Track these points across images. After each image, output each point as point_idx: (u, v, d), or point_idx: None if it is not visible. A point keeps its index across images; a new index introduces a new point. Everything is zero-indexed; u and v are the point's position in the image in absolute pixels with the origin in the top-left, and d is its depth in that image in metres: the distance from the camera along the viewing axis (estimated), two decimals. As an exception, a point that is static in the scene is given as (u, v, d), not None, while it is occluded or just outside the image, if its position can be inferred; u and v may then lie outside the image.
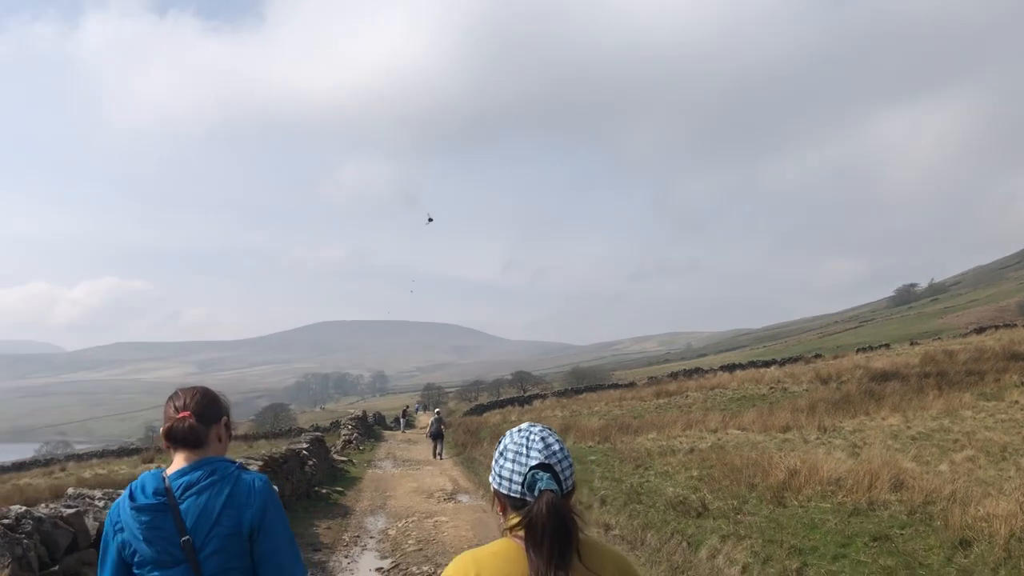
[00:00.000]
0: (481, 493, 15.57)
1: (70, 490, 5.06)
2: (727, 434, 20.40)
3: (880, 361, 36.77)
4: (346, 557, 9.86)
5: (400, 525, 12.12)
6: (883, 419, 20.25)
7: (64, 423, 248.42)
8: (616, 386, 63.32)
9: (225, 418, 2.65)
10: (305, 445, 16.01)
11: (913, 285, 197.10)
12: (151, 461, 36.74)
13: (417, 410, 75.13)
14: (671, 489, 12.10)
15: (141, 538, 2.40)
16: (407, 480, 18.42)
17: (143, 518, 2.40)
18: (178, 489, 2.44)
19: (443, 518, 12.65)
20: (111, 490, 5.35)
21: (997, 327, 56.40)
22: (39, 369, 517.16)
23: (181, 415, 2.53)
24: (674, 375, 65.61)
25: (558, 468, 1.99)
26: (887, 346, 63.26)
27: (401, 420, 43.25)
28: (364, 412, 46.03)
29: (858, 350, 63.76)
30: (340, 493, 15.34)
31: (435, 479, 18.51)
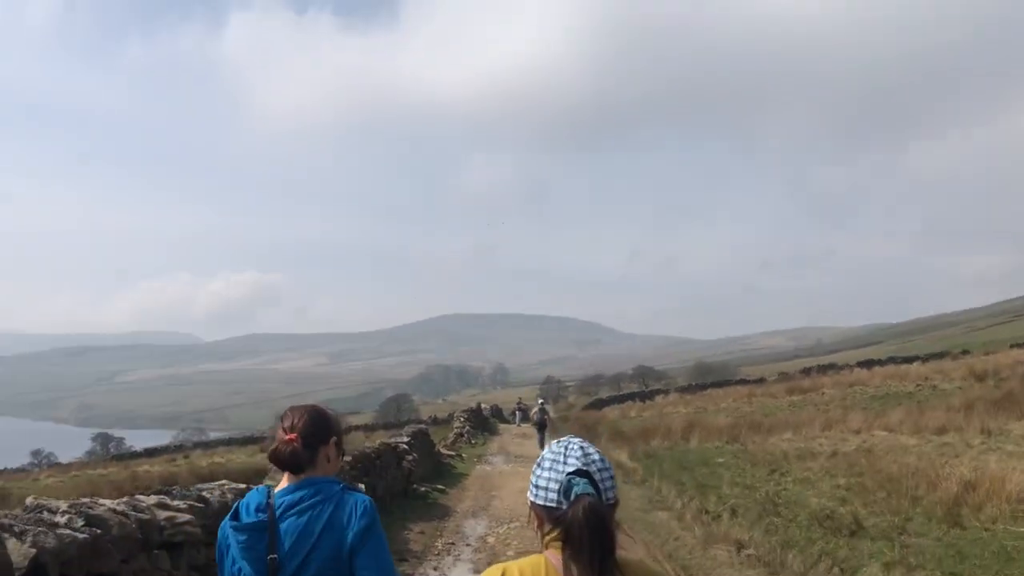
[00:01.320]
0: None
1: (29, 499, 3.94)
2: (872, 436, 18.26)
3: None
4: (435, 569, 8.67)
5: (502, 531, 10.87)
6: (1062, 422, 17.61)
7: (204, 411, 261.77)
8: (744, 382, 60.57)
9: (335, 438, 2.62)
10: (405, 439, 15.01)
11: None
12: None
13: (543, 403, 73.97)
14: (814, 500, 10.39)
15: (239, 555, 2.41)
16: (516, 479, 17.20)
17: (240, 537, 2.42)
18: (280, 508, 2.43)
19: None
20: (79, 501, 4.21)
21: None
22: (181, 359, 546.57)
23: (288, 438, 2.51)
24: (807, 371, 62.07)
25: (597, 476, 1.90)
26: (1046, 343, 57.94)
27: (517, 413, 42.09)
28: (479, 404, 45.20)
29: (1012, 346, 58.80)
30: (441, 491, 14.25)
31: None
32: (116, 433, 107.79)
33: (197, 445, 64.74)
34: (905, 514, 8.67)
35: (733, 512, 10.79)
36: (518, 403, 45.14)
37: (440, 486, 14.74)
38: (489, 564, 8.60)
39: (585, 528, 1.77)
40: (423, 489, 13.76)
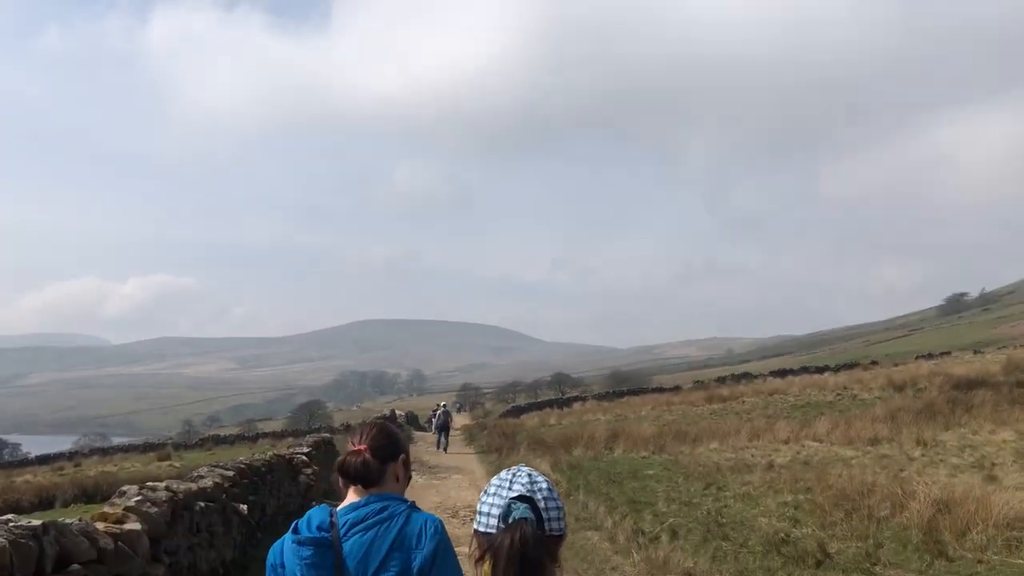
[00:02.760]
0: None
1: None
2: (803, 446, 17.52)
3: (958, 368, 33.36)
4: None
5: (411, 557, 9.45)
6: (990, 433, 17.15)
7: (107, 416, 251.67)
8: (661, 390, 60.32)
9: (403, 456, 2.52)
10: (305, 449, 13.42)
11: (963, 294, 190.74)
12: (167, 459, 34.65)
13: (459, 409, 72.85)
14: (763, 520, 9.29)
15: (299, 574, 2.24)
16: (430, 492, 15.77)
17: (304, 553, 2.26)
18: (344, 525, 2.29)
19: (467, 549, 9.94)
20: None
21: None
22: (85, 362, 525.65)
23: (357, 448, 2.41)
24: (722, 379, 62.23)
25: (541, 505, 1.85)
26: (948, 354, 59.55)
27: (433, 420, 40.14)
28: (393, 411, 43.43)
29: (917, 357, 60.25)
30: (345, 508, 12.73)
31: (462, 492, 15.84)
32: (12, 439, 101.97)
33: (95, 452, 61.42)
34: (874, 539, 7.63)
35: (673, 533, 9.62)
36: (438, 407, 43.18)
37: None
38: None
39: (510, 557, 1.69)
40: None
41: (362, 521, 2.29)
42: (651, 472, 14.70)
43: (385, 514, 2.30)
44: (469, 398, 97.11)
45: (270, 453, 10.90)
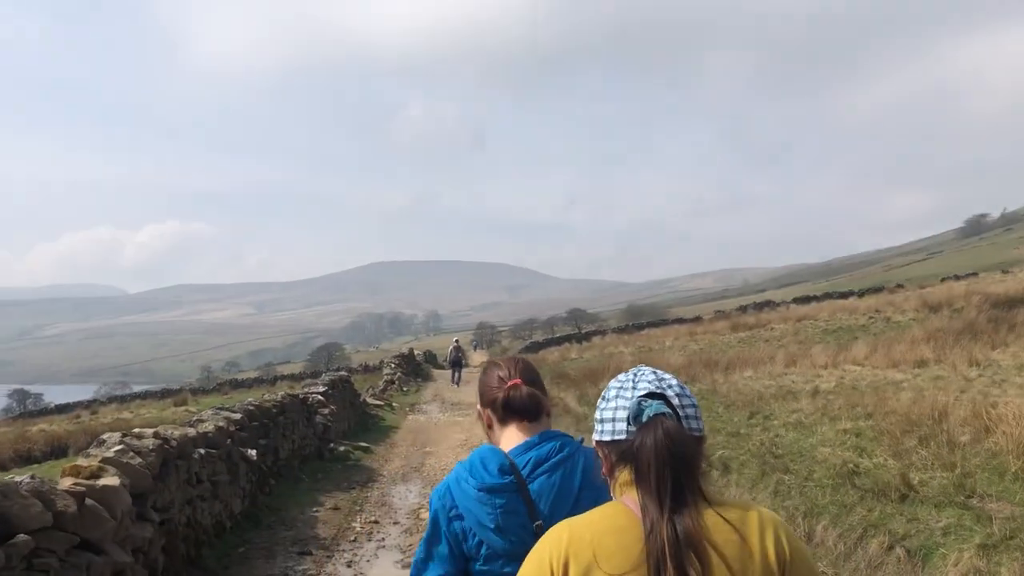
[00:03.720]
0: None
1: None
2: (844, 371, 16.55)
3: (994, 287, 32.22)
4: (349, 566, 6.40)
5: (438, 500, 8.65)
6: (1046, 351, 16.16)
7: (127, 364, 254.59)
8: (681, 320, 59.47)
9: (547, 394, 2.32)
10: (321, 388, 12.59)
11: (984, 215, 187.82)
12: (183, 404, 34.23)
13: (476, 347, 72.64)
14: (825, 450, 8.38)
15: (492, 526, 1.99)
16: (454, 429, 15.02)
17: (498, 501, 2.01)
18: (526, 466, 2.07)
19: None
20: None
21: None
22: (103, 311, 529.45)
23: (514, 382, 2.21)
24: (743, 308, 61.30)
25: (676, 402, 1.57)
26: (975, 275, 58.21)
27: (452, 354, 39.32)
28: (411, 350, 42.78)
29: (943, 279, 58.95)
30: (365, 450, 11.95)
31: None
32: (35, 389, 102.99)
33: (113, 400, 61.60)
34: (960, 468, 6.71)
35: (724, 467, 8.77)
36: (455, 344, 42.42)
37: (364, 443, 12.40)
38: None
39: (658, 454, 1.44)
40: (342, 448, 11.42)
41: (546, 460, 2.10)
42: (687, 402, 13.87)
43: (566, 451, 2.12)
44: (485, 336, 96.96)
45: (281, 393, 10.02)
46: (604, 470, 1.64)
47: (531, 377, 2.29)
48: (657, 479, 1.43)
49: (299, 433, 9.97)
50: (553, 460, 2.08)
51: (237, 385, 57.14)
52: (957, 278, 56.34)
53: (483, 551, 2.02)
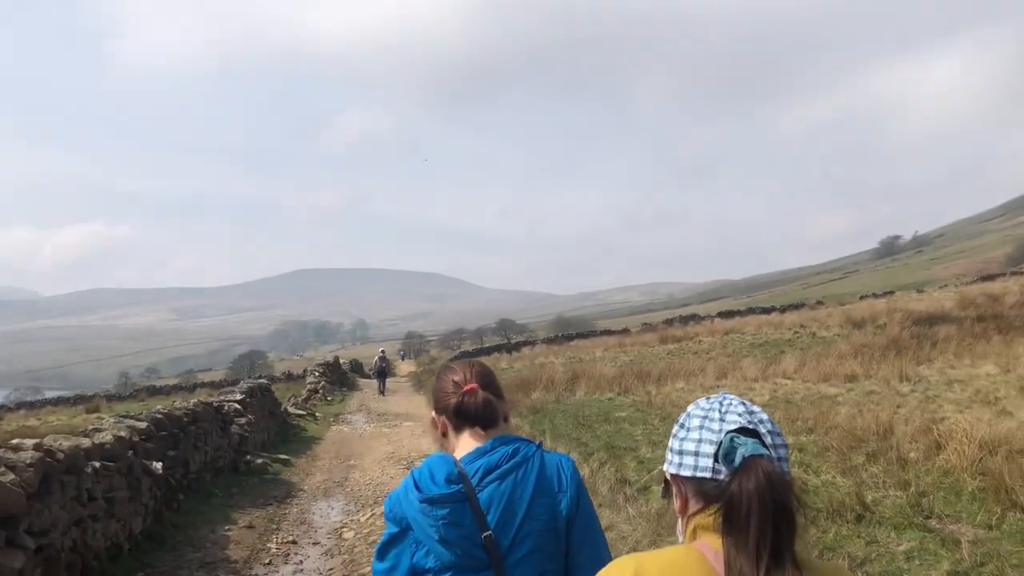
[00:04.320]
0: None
1: None
2: (776, 384, 16.50)
3: (917, 304, 32.98)
4: (260, 594, 5.78)
5: (364, 518, 8.04)
6: (971, 367, 16.33)
7: (39, 369, 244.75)
8: (610, 332, 59.75)
9: (505, 399, 2.23)
10: (238, 396, 11.79)
11: (897, 237, 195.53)
12: (96, 411, 32.58)
13: (403, 356, 71.95)
14: (770, 466, 8.05)
15: (436, 537, 1.88)
16: (380, 441, 14.36)
17: (439, 512, 1.90)
18: (476, 474, 1.96)
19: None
20: None
21: (999, 275, 53.27)
22: (15, 314, 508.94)
23: (470, 387, 2.10)
24: (670, 321, 61.88)
25: (768, 440, 1.39)
26: (892, 293, 60.00)
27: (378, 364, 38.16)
28: (336, 358, 41.75)
29: (862, 297, 60.51)
30: (285, 463, 11.21)
31: (416, 440, 14.46)
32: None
33: (22, 405, 58.80)
34: (915, 487, 6.43)
35: (666, 484, 8.36)
36: (381, 354, 41.31)
37: (284, 455, 11.64)
38: (345, 574, 5.68)
39: (762, 504, 1.25)
40: (260, 461, 10.65)
41: (496, 467, 1.98)
42: (623, 414, 13.47)
43: (520, 457, 2.01)
44: (413, 346, 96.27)
45: (194, 400, 9.25)
46: (676, 506, 1.50)
47: (487, 381, 2.17)
48: (758, 533, 1.24)
49: (213, 444, 9.20)
50: (504, 467, 1.97)
51: (155, 392, 55.18)
52: (875, 296, 58.06)
53: (431, 563, 1.91)
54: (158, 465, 6.84)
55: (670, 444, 1.52)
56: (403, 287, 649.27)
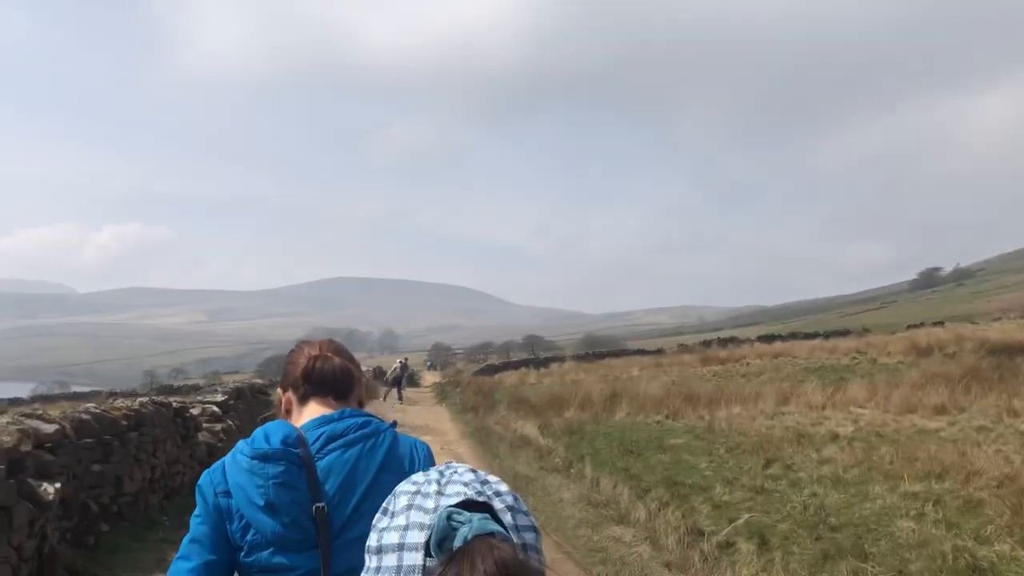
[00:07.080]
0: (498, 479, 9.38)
1: None
2: (852, 412, 14.25)
3: (989, 333, 30.50)
4: None
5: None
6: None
7: (68, 365, 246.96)
8: (643, 352, 57.36)
9: (364, 378, 2.02)
10: (219, 398, 9.72)
11: (937, 269, 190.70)
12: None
13: (430, 367, 70.26)
14: (905, 524, 5.88)
15: (261, 503, 1.59)
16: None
17: (271, 470, 1.61)
18: (318, 440, 1.68)
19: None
20: None
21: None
22: (49, 309, 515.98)
23: (322, 353, 1.82)
24: (707, 343, 59.43)
25: (508, 519, 1.02)
26: (941, 324, 57.20)
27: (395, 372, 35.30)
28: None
29: (909, 327, 57.80)
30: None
31: (435, 457, 12.37)
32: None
33: (36, 399, 58.01)
34: None
35: (762, 540, 6.17)
36: (400, 362, 38.59)
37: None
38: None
39: None
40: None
41: (342, 435, 1.69)
42: (678, 441, 11.31)
43: (369, 429, 1.72)
44: (440, 357, 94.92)
45: (139, 400, 7.17)
46: None
47: (345, 351, 1.91)
48: None
49: (166, 456, 7.15)
50: (351, 436, 1.69)
51: (173, 391, 53.97)
52: (923, 326, 55.26)
53: (248, 537, 1.60)
54: (50, 488, 4.78)
55: (368, 541, 1.06)
56: (433, 300, 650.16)
